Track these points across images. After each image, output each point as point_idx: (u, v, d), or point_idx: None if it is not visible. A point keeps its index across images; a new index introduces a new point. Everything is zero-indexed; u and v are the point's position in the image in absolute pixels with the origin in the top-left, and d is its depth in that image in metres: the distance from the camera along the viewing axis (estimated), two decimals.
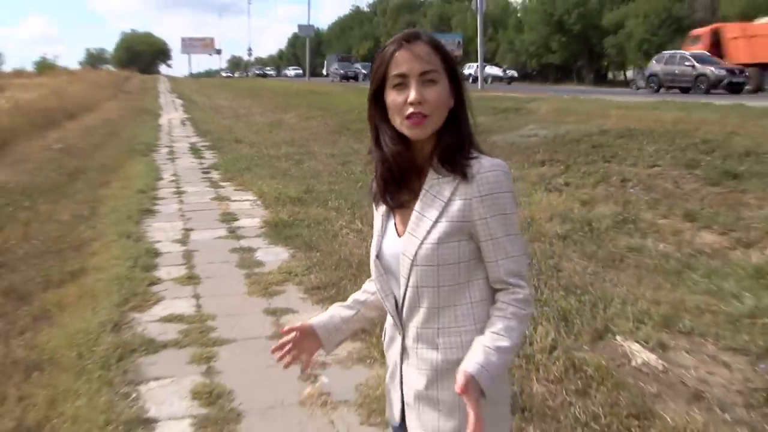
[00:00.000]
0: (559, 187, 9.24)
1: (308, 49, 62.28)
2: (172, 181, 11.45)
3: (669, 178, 8.96)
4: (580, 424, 3.44)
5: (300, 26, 68.31)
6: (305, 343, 1.87)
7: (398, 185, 1.66)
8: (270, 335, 4.62)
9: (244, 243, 7.24)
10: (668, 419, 3.47)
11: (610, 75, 63.68)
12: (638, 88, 33.00)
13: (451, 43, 63.08)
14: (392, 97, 1.60)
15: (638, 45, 49.44)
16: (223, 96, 38.69)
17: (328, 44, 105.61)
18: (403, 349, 1.71)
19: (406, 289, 1.65)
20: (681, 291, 5.45)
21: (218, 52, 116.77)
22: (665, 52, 30.04)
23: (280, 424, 3.55)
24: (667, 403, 3.68)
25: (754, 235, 6.84)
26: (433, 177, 1.63)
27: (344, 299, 1.99)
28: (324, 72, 74.91)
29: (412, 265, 1.62)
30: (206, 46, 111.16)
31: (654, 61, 29.47)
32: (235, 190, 10.55)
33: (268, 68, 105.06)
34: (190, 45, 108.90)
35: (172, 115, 27.40)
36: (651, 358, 4.22)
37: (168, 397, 3.81)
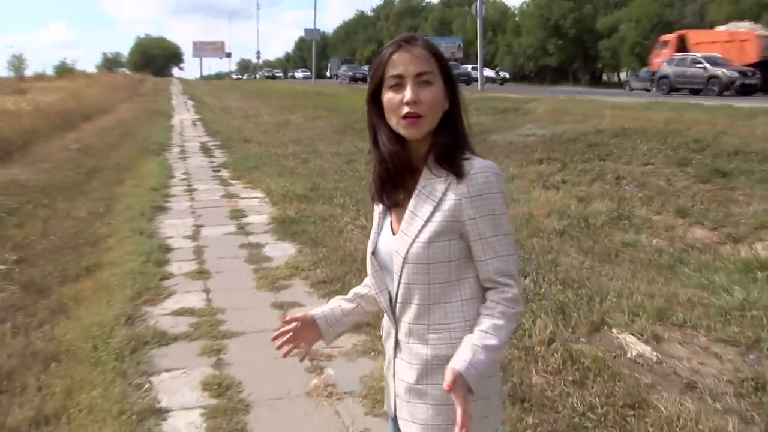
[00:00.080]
0: (557, 184, 9.21)
1: (314, 53, 62.19)
2: (184, 179, 11.43)
3: (662, 175, 8.92)
4: (578, 414, 3.41)
5: (306, 30, 68.24)
6: (305, 334, 1.86)
7: (395, 184, 1.66)
8: (277, 328, 4.57)
9: (252, 239, 7.22)
10: (662, 408, 3.44)
11: (604, 77, 63.56)
12: (632, 89, 32.88)
13: (452, 45, 63.10)
14: (389, 97, 1.60)
15: (631, 48, 49.45)
16: (233, 97, 38.65)
17: (333, 47, 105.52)
18: (396, 343, 1.71)
19: (398, 286, 1.65)
20: (674, 285, 5.42)
21: (228, 55, 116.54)
22: (675, 54, 28.64)
23: (287, 414, 3.53)
24: (661, 393, 3.65)
25: (743, 230, 6.82)
26: (426, 177, 1.62)
27: None
28: (327, 74, 74.83)
29: (404, 263, 1.61)
30: (217, 49, 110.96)
31: (665, 63, 28.14)
32: (244, 187, 10.53)
33: (277, 70, 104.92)
34: (201, 49, 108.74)
35: (183, 115, 27.38)
36: (645, 349, 4.19)
37: (179, 387, 3.79)
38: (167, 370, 4.01)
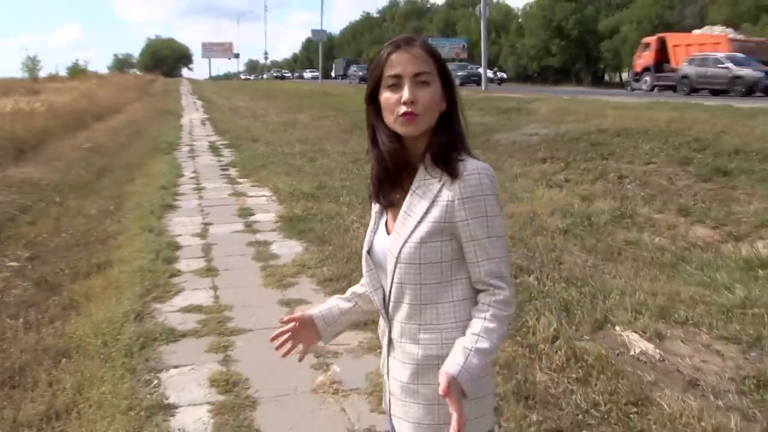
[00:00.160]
0: (560, 183, 9.16)
1: (321, 53, 62.09)
2: (192, 177, 11.43)
3: (663, 174, 8.87)
4: (581, 411, 3.38)
5: (313, 31, 68.09)
6: (304, 333, 1.84)
7: (392, 183, 1.65)
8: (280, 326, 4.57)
9: (260, 237, 7.20)
10: (665, 406, 3.40)
11: (606, 77, 63.34)
12: (633, 90, 32.73)
13: (457, 47, 62.95)
14: (386, 97, 1.59)
15: (632, 49, 49.12)
16: (241, 97, 38.64)
17: (340, 48, 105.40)
18: (390, 342, 1.70)
19: (391, 285, 1.64)
20: (676, 283, 5.38)
21: (236, 56, 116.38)
22: (696, 53, 27.85)
23: (294, 411, 3.51)
24: (663, 391, 3.62)
25: (743, 229, 6.77)
26: (421, 177, 1.61)
27: None
28: (332, 74, 74.78)
29: (396, 262, 1.60)
30: (225, 50, 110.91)
31: (685, 63, 27.14)
32: (252, 186, 10.51)
33: (285, 71, 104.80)
34: (210, 49, 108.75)
35: (193, 115, 27.39)
36: (648, 347, 4.15)
37: (187, 384, 3.78)
38: (175, 367, 4.00)
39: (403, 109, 1.56)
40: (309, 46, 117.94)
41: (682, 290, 5.12)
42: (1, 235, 7.16)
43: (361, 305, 1.87)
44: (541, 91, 31.82)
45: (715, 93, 24.49)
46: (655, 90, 30.33)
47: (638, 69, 33.37)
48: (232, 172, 12.10)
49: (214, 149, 15.69)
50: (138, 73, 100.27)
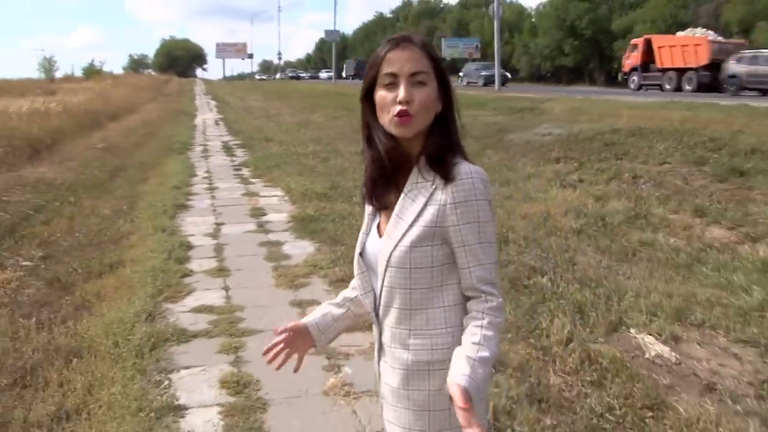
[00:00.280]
0: (574, 183, 9.07)
1: (334, 54, 62.10)
2: (205, 177, 11.44)
3: (678, 174, 8.77)
4: (596, 415, 3.32)
5: (327, 32, 68.11)
6: (298, 343, 1.81)
7: (387, 184, 1.61)
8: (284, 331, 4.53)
9: (272, 237, 7.18)
10: (681, 411, 3.34)
11: (620, 77, 62.99)
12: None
13: (470, 46, 62.92)
14: (382, 95, 1.57)
15: None
16: (255, 97, 38.74)
17: (353, 48, 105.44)
18: (381, 346, 1.68)
19: (381, 289, 1.61)
20: (692, 284, 5.29)
21: (250, 56, 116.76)
22: (746, 51, 27.69)
23: (305, 413, 3.47)
24: (680, 395, 3.55)
25: (761, 230, 6.67)
26: (413, 180, 1.58)
27: None
28: (343, 74, 74.90)
29: (387, 266, 1.58)
30: (239, 51, 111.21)
31: (733, 62, 26.67)
32: (265, 186, 10.50)
33: (301, 71, 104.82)
34: (224, 50, 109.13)
35: (206, 115, 27.48)
36: (664, 350, 4.08)
37: (198, 385, 3.75)
38: (186, 368, 3.97)
39: (399, 108, 1.52)
40: (322, 46, 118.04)
41: (698, 292, 5.03)
42: (15, 235, 7.17)
43: (353, 310, 1.84)
44: (555, 90, 31.70)
45: (765, 93, 24.28)
46: (642, 89, 31.89)
47: (627, 69, 35.00)
48: (245, 172, 12.10)
49: (227, 149, 15.71)
50: (153, 73, 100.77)
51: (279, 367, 1.80)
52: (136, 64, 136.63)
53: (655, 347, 4.11)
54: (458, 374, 1.43)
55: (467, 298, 1.56)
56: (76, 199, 9.12)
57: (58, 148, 13.82)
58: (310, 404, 3.55)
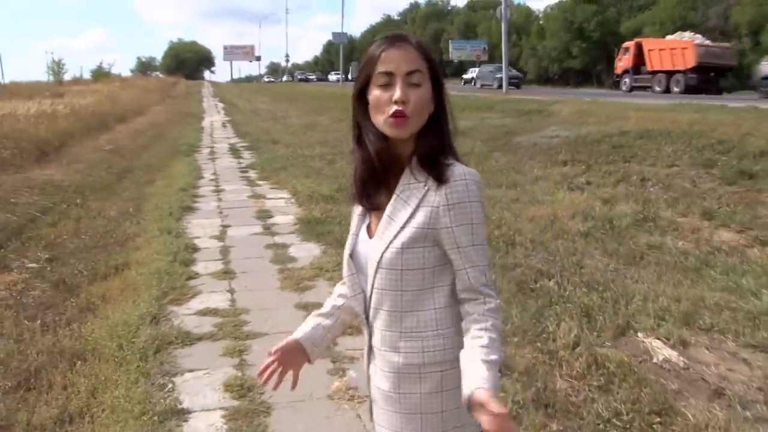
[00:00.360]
0: (581, 186, 9.02)
1: (342, 56, 62.13)
2: (212, 179, 11.45)
3: (687, 177, 8.70)
4: (603, 421, 3.29)
5: (334, 34, 68.11)
6: (293, 359, 1.77)
7: (377, 185, 1.59)
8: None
9: (278, 239, 7.16)
10: (689, 416, 3.30)
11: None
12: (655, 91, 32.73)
13: (478, 48, 62.86)
14: (376, 95, 1.54)
15: None
16: (262, 100, 38.81)
17: (360, 51, 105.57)
18: (370, 349, 1.66)
19: (371, 291, 1.59)
20: (700, 288, 5.24)
21: (258, 58, 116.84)
22: None
23: (309, 416, 3.45)
24: (688, 400, 3.51)
25: None
26: (405, 180, 1.56)
27: None
28: (349, 77, 75.05)
29: (377, 268, 1.56)
30: (247, 53, 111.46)
31: (766, 63, 26.99)
32: (271, 188, 10.50)
33: (310, 73, 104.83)
34: (232, 52, 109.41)
35: (214, 117, 27.53)
36: (672, 354, 4.04)
37: (201, 388, 3.73)
38: (190, 371, 3.95)
39: (394, 108, 1.50)
40: (330, 48, 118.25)
41: (706, 296, 4.98)
42: (22, 237, 7.18)
43: (342, 318, 1.83)
44: (562, 93, 31.66)
45: None
46: (633, 91, 33.15)
47: (619, 71, 36.39)
48: (252, 174, 12.10)
49: (234, 151, 15.72)
50: (160, 75, 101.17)
51: (276, 387, 1.77)
52: (144, 67, 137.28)
53: (663, 352, 4.07)
54: (479, 379, 1.38)
55: (463, 301, 1.54)
56: (83, 201, 9.13)
57: (66, 150, 13.86)
58: (314, 408, 3.53)
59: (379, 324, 1.60)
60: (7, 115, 15.36)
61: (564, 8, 60.09)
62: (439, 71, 1.59)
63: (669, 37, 34.53)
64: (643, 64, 33.56)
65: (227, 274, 5.92)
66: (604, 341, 4.18)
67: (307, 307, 4.99)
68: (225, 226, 7.80)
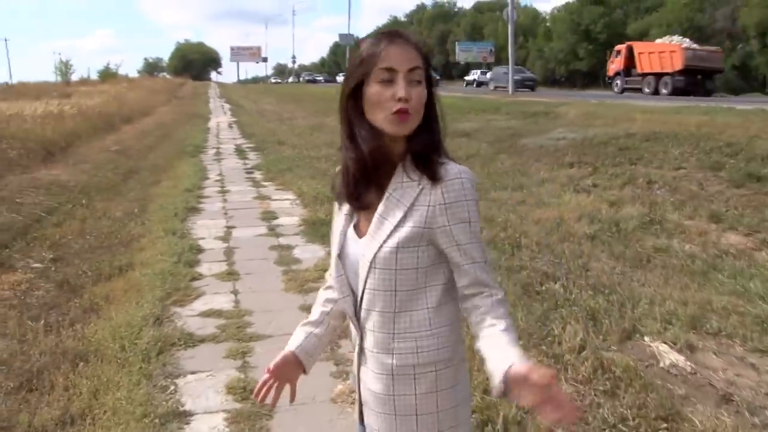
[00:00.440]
0: (588, 188, 8.97)
1: (348, 57, 62.30)
2: (218, 180, 11.44)
3: (694, 180, 8.65)
4: (609, 426, 3.24)
5: (341, 35, 68.14)
6: (288, 373, 1.74)
7: (368, 185, 1.56)
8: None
9: (282, 240, 7.14)
10: (697, 422, 3.25)
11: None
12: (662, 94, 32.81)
13: (484, 50, 62.81)
14: (376, 91, 1.50)
15: None
16: (268, 100, 38.83)
17: None
18: (361, 351, 1.63)
19: (363, 292, 1.56)
20: (707, 291, 5.19)
21: (264, 60, 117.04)
22: None
23: (311, 420, 3.41)
24: (695, 406, 3.46)
25: None
26: (397, 180, 1.54)
27: None
28: None
29: (370, 268, 1.53)
30: (253, 54, 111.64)
31: None
32: (276, 189, 10.48)
33: (318, 75, 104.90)
34: (239, 53, 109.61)
35: (220, 118, 27.55)
36: (679, 359, 3.99)
37: (204, 391, 3.70)
38: (192, 373, 3.93)
39: (399, 106, 1.47)
40: (336, 50, 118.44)
41: (714, 299, 4.93)
42: (27, 237, 7.18)
43: (333, 323, 1.80)
44: (569, 95, 31.59)
45: None
46: (624, 92, 34.13)
47: (611, 73, 37.22)
48: (257, 175, 12.08)
49: (240, 152, 15.71)
50: (167, 76, 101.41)
51: (274, 404, 1.76)
52: (151, 68, 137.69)
53: (669, 356, 4.02)
54: (510, 357, 1.34)
55: (469, 296, 1.51)
56: (89, 201, 9.14)
57: (72, 151, 13.89)
58: (316, 411, 3.49)
59: (370, 325, 1.57)
60: (14, 116, 15.41)
61: (571, 10, 60.04)
62: (431, 68, 1.57)
63: (658, 41, 35.64)
64: (634, 66, 34.49)
65: (231, 275, 5.90)
66: (610, 345, 4.14)
67: (310, 309, 4.95)
68: (230, 227, 7.78)
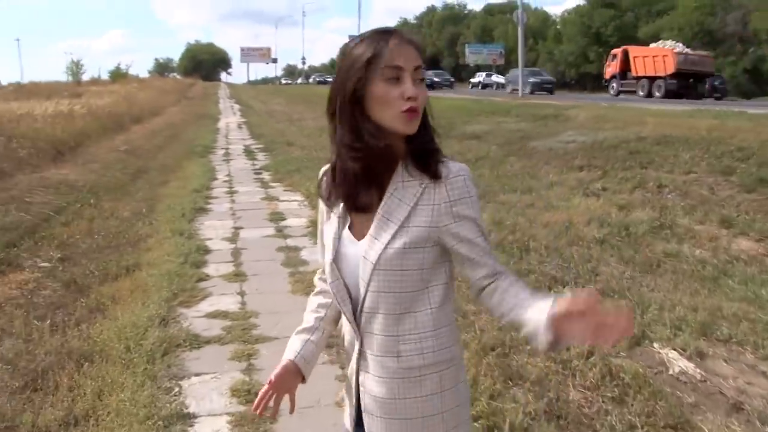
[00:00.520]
0: (597, 191, 8.91)
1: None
2: (226, 181, 11.44)
3: (705, 184, 8.58)
4: None
5: (351, 37, 67.95)
6: (287, 382, 1.71)
7: (369, 185, 1.53)
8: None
9: (290, 242, 7.12)
10: (706, 431, 3.20)
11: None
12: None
13: (494, 53, 62.73)
14: (383, 90, 1.47)
15: None
16: (278, 101, 38.86)
17: None
18: (361, 355, 1.59)
19: (365, 294, 1.52)
20: (718, 297, 5.13)
21: (274, 60, 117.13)
22: None
23: (316, 423, 3.38)
24: (705, 414, 3.42)
25: None
26: (398, 179, 1.52)
27: None
28: None
29: (374, 270, 1.50)
30: (263, 55, 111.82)
31: None
32: (284, 190, 10.48)
33: (329, 76, 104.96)
34: (249, 54, 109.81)
35: (229, 119, 27.60)
36: (688, 366, 3.94)
37: (208, 393, 3.68)
38: (197, 374, 3.91)
39: (409, 104, 1.45)
40: None
41: (724, 306, 4.87)
42: (35, 236, 7.19)
43: (327, 328, 1.77)
44: (579, 98, 31.49)
45: None
46: (619, 95, 35.05)
47: (607, 76, 38.17)
48: (266, 175, 12.08)
49: (248, 153, 15.73)
50: (178, 77, 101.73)
51: (274, 415, 1.74)
52: (162, 68, 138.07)
53: (679, 363, 3.97)
54: (550, 302, 1.33)
55: (486, 285, 1.50)
56: (97, 201, 9.15)
57: (82, 150, 13.93)
58: (321, 415, 3.46)
59: (373, 328, 1.54)
60: (24, 115, 15.45)
61: (581, 13, 59.88)
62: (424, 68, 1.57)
63: (652, 45, 36.37)
64: (629, 69, 35.39)
65: (238, 276, 5.89)
66: (618, 351, 4.09)
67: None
68: (237, 228, 7.77)
